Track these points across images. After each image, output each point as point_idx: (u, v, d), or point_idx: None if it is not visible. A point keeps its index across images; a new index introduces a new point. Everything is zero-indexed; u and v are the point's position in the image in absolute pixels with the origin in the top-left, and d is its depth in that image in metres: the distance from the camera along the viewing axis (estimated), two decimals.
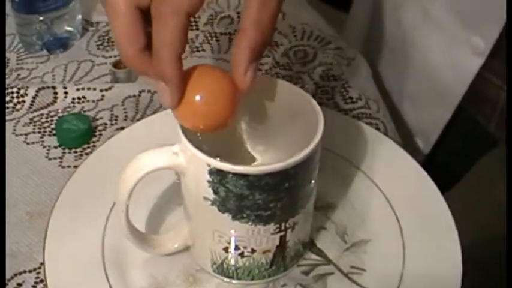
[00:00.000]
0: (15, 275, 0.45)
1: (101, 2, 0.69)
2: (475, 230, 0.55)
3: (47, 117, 0.58)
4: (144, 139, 0.46)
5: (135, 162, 0.40)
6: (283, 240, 0.42)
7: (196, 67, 0.39)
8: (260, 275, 0.44)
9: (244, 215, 0.39)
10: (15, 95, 0.58)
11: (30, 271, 0.46)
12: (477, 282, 0.48)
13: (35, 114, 0.58)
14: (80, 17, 0.66)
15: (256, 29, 0.37)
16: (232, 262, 0.43)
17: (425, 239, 0.46)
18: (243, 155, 0.47)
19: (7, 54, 0.64)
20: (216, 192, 0.39)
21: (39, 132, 0.56)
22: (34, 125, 0.57)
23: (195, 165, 0.39)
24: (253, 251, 0.42)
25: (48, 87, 0.59)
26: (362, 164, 0.51)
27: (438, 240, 0.46)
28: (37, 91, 0.59)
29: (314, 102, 0.42)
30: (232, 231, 0.41)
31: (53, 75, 0.62)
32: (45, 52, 0.64)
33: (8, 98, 0.58)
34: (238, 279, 0.44)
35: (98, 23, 0.68)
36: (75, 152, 0.55)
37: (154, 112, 0.58)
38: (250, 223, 0.40)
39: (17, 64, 0.63)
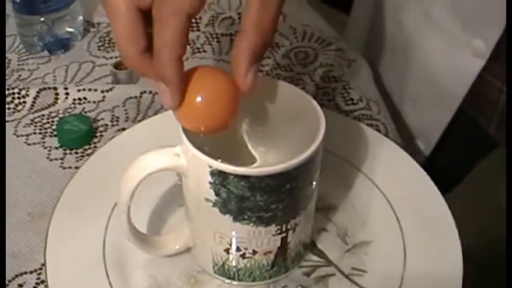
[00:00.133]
0: (16, 276, 0.45)
1: (101, 3, 0.69)
2: (476, 231, 0.55)
3: (48, 118, 0.58)
4: (145, 140, 0.46)
5: (137, 164, 0.40)
6: (284, 241, 0.42)
7: (197, 68, 0.39)
8: (261, 276, 0.44)
9: (246, 217, 0.39)
10: (16, 95, 0.59)
11: (31, 272, 0.46)
12: (477, 283, 0.48)
13: (36, 115, 0.58)
14: (81, 18, 0.66)
15: (257, 30, 0.37)
16: (234, 263, 0.43)
17: (426, 239, 0.46)
18: (244, 157, 0.47)
19: (8, 55, 0.64)
20: (217, 194, 0.39)
21: (40, 133, 0.56)
22: (35, 126, 0.57)
23: (197, 166, 0.39)
24: (254, 252, 0.42)
25: (49, 88, 0.59)
26: (363, 165, 0.51)
27: (439, 241, 0.46)
28: (38, 92, 0.59)
29: (315, 103, 0.42)
30: (234, 233, 0.41)
31: (54, 76, 0.62)
32: (46, 53, 0.64)
33: (9, 99, 0.58)
34: (239, 280, 0.44)
35: (99, 24, 0.69)
36: (76, 153, 0.55)
37: (156, 113, 0.58)
38: (251, 224, 0.40)
39: (18, 65, 0.63)
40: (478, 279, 0.47)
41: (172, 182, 0.49)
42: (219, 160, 0.38)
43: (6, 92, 0.58)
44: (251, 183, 0.38)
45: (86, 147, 0.55)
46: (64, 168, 0.53)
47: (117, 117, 0.58)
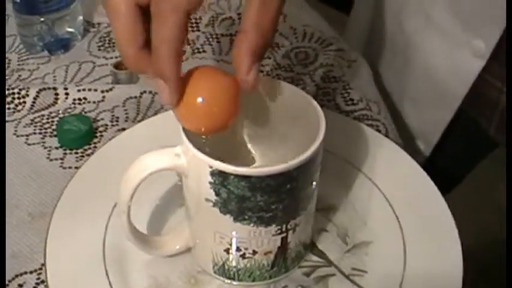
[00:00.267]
0: (16, 276, 0.45)
1: (101, 3, 0.69)
2: (476, 231, 0.55)
3: (48, 118, 0.58)
4: (145, 140, 0.46)
5: (137, 164, 0.40)
6: (284, 241, 0.42)
7: (197, 68, 0.39)
8: (261, 277, 0.44)
9: (246, 217, 0.39)
10: (16, 96, 0.59)
11: (31, 272, 0.46)
12: (477, 283, 0.48)
13: (36, 115, 0.58)
14: (81, 18, 0.66)
15: (257, 31, 0.37)
16: (234, 263, 0.43)
17: (426, 240, 0.46)
18: (245, 157, 0.47)
19: (8, 55, 0.64)
20: (217, 194, 0.39)
21: (40, 133, 0.56)
22: (35, 126, 0.57)
23: (197, 166, 0.39)
24: (254, 252, 0.42)
25: (49, 88, 0.59)
26: (363, 165, 0.51)
27: (439, 241, 0.46)
28: (38, 92, 0.59)
29: (315, 103, 0.42)
30: (234, 233, 0.41)
31: (54, 76, 0.62)
32: (46, 53, 0.64)
33: (9, 99, 0.58)
34: (240, 280, 0.44)
35: (99, 24, 0.69)
36: (76, 153, 0.55)
37: (156, 113, 0.58)
38: (251, 225, 0.40)
39: (18, 65, 0.63)
40: (478, 279, 0.47)
41: (172, 182, 0.49)
42: (220, 160, 0.38)
43: (6, 92, 0.58)
44: (251, 183, 0.38)
45: (86, 147, 0.55)
46: (64, 168, 0.53)
47: (117, 117, 0.58)
